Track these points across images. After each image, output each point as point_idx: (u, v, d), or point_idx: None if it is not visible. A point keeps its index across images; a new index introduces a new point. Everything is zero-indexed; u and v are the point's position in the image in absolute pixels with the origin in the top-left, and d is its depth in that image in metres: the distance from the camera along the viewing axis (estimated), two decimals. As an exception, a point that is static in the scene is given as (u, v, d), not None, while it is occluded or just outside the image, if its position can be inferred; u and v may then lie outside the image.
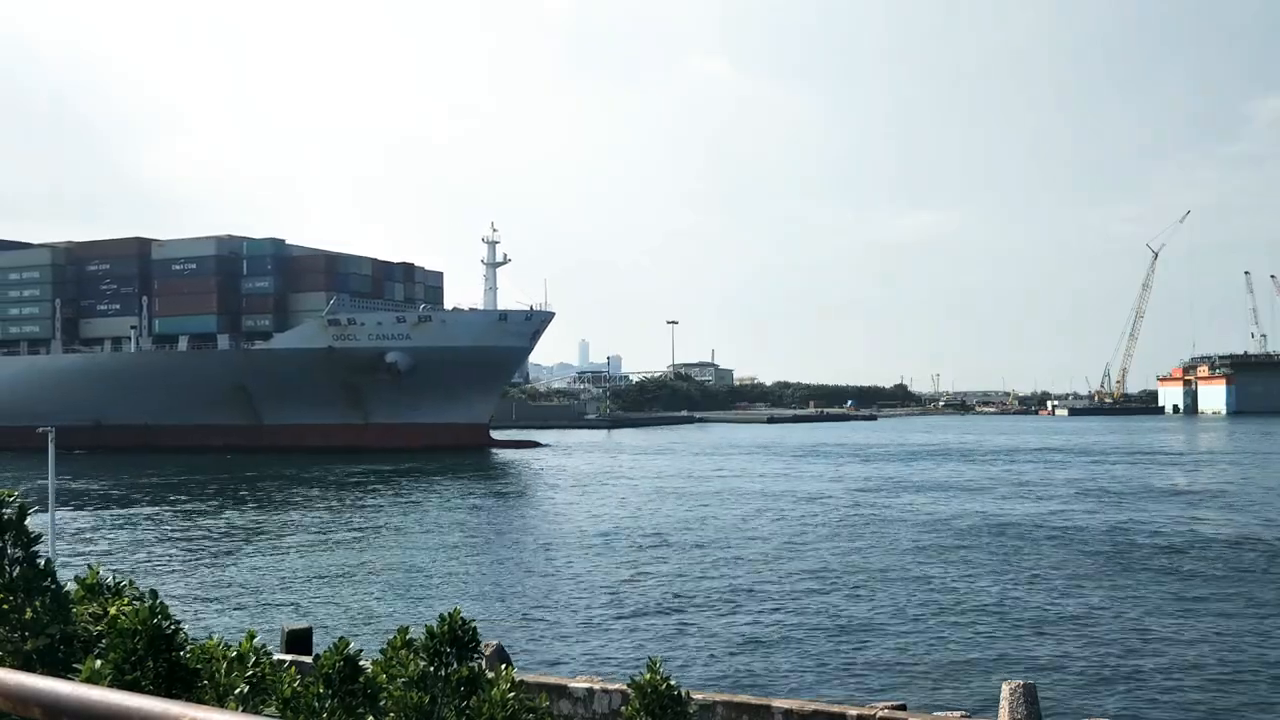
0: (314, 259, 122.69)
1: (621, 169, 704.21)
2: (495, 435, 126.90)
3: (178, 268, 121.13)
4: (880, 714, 12.83)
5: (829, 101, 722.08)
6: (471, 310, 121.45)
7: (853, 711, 12.99)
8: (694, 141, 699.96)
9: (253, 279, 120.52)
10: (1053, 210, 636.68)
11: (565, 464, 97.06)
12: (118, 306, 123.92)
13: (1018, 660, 23.73)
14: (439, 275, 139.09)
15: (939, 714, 15.12)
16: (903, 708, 13.71)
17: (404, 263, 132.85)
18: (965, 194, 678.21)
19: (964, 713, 15.23)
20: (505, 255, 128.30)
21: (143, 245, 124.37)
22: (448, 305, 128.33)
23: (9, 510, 6.58)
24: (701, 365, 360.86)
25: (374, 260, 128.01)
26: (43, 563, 6.61)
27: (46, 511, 25.31)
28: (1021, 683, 13.51)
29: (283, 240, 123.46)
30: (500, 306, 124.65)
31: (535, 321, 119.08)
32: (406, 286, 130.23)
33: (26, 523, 6.69)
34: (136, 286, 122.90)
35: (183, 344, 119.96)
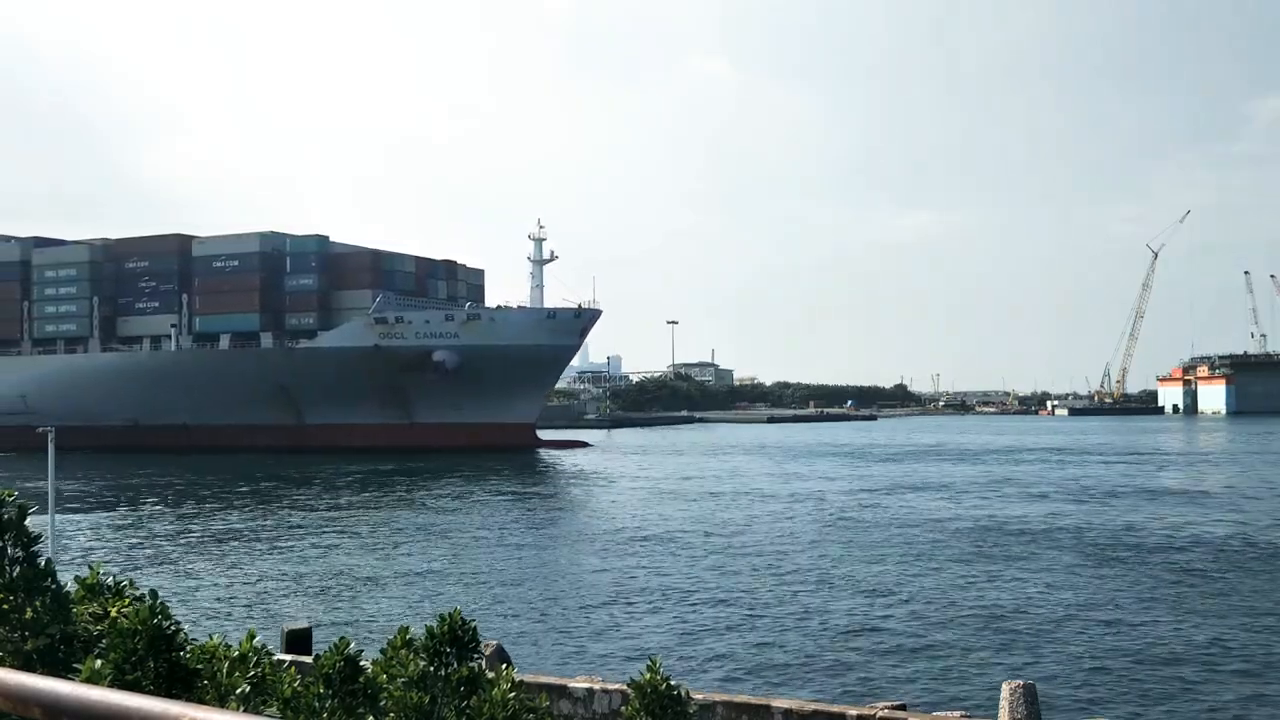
0: (359, 256, 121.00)
1: (621, 169, 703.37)
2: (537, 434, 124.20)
3: (219, 265, 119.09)
4: (880, 714, 12.83)
5: (829, 101, 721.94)
6: (520, 308, 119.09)
7: (853, 711, 12.99)
8: (694, 141, 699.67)
9: (296, 276, 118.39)
10: (1052, 210, 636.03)
11: (568, 464, 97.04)
12: (157, 304, 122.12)
13: (1018, 660, 23.73)
14: (480, 273, 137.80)
15: (939, 714, 15.12)
16: (903, 708, 13.71)
17: (446, 260, 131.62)
18: (965, 194, 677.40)
19: (964, 713, 15.23)
20: (552, 252, 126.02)
21: (183, 242, 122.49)
22: (489, 303, 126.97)
23: (9, 510, 6.58)
24: (701, 365, 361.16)
25: (416, 258, 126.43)
26: (43, 563, 6.61)
27: (52, 512, 25.25)
28: (1021, 683, 13.50)
29: (326, 237, 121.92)
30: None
31: (584, 319, 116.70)
32: (449, 284, 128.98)
33: (26, 523, 6.68)
34: (176, 284, 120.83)
35: (224, 342, 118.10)
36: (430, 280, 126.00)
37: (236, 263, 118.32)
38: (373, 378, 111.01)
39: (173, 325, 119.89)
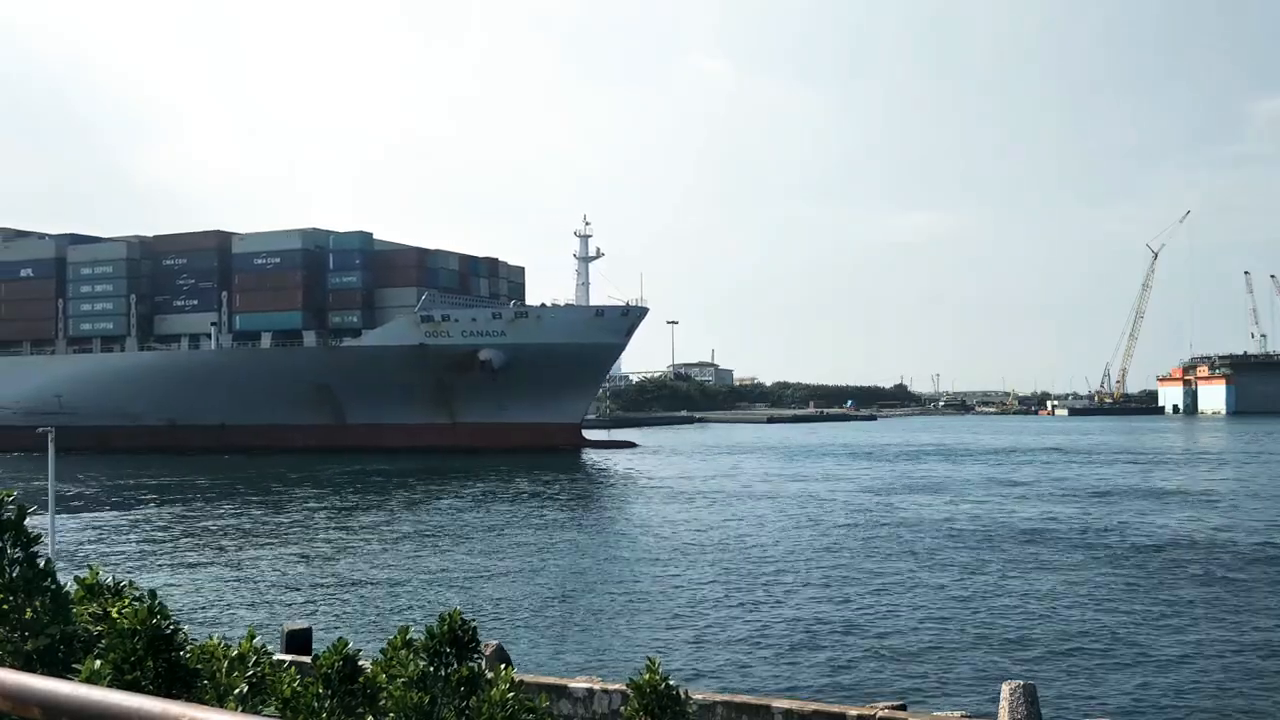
0: (405, 254, 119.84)
1: (622, 168, 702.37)
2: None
3: (260, 262, 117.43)
4: (880, 714, 12.83)
5: (829, 101, 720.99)
6: (567, 306, 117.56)
7: (853, 711, 12.99)
8: (694, 140, 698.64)
9: (340, 274, 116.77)
10: (1052, 210, 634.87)
11: (592, 465, 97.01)
12: (196, 302, 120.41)
13: (1018, 660, 23.73)
14: (521, 270, 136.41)
15: (939, 714, 15.12)
16: (903, 708, 13.71)
17: (488, 258, 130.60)
18: (965, 194, 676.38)
19: (964, 713, 15.23)
20: (599, 250, 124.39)
21: (222, 238, 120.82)
22: (530, 301, 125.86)
23: (9, 510, 6.58)
24: (701, 365, 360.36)
25: (460, 255, 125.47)
26: (43, 563, 6.61)
27: (52, 512, 25.25)
28: (1021, 683, 13.50)
29: (369, 234, 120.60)
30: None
31: (631, 318, 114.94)
32: (491, 282, 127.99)
33: (26, 523, 6.68)
34: (216, 281, 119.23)
35: (265, 341, 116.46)
36: (473, 278, 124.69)
37: (278, 260, 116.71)
38: (418, 377, 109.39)
39: (213, 324, 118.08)
